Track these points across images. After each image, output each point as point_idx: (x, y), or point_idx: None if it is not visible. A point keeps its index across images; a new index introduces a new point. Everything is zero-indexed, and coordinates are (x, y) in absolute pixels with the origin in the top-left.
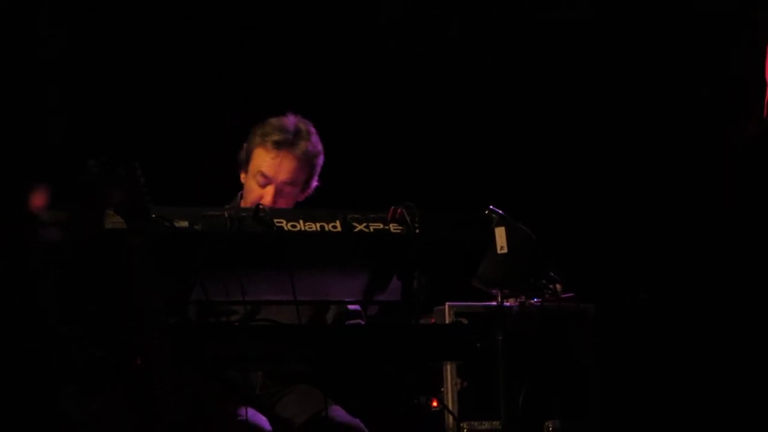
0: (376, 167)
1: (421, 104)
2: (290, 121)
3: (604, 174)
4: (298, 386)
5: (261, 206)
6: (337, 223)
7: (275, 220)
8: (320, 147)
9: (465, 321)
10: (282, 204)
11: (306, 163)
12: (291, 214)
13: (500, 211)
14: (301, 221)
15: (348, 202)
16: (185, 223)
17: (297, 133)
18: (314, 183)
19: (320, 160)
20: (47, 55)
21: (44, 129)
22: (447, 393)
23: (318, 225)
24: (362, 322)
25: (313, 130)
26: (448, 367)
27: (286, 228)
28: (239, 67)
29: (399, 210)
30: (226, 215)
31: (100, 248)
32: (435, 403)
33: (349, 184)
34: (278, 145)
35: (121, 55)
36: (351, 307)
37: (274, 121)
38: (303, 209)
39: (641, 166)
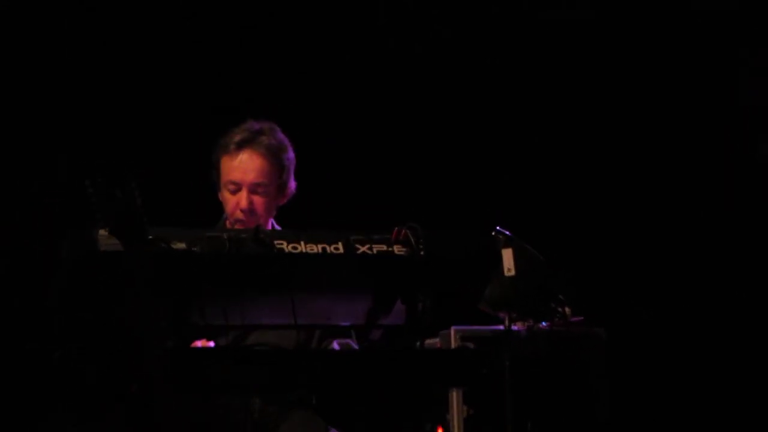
0: (380, 187)
1: (424, 120)
2: (251, 123)
3: (614, 195)
4: (297, 413)
5: (260, 227)
6: (340, 245)
7: (275, 242)
8: (287, 142)
9: (471, 345)
10: (260, 208)
11: (273, 158)
12: (292, 236)
13: (507, 232)
14: (302, 243)
15: (351, 223)
16: (183, 245)
17: (258, 131)
18: (291, 184)
19: (289, 155)
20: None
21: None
22: (453, 420)
23: (320, 247)
24: (352, 342)
25: (277, 128)
26: (454, 393)
27: (286, 250)
28: (236, 76)
29: (403, 231)
30: (225, 237)
31: (96, 271)
32: (440, 431)
33: (352, 204)
34: (240, 145)
35: (112, 68)
36: (345, 324)
37: (234, 128)
38: (304, 231)
39: (652, 184)
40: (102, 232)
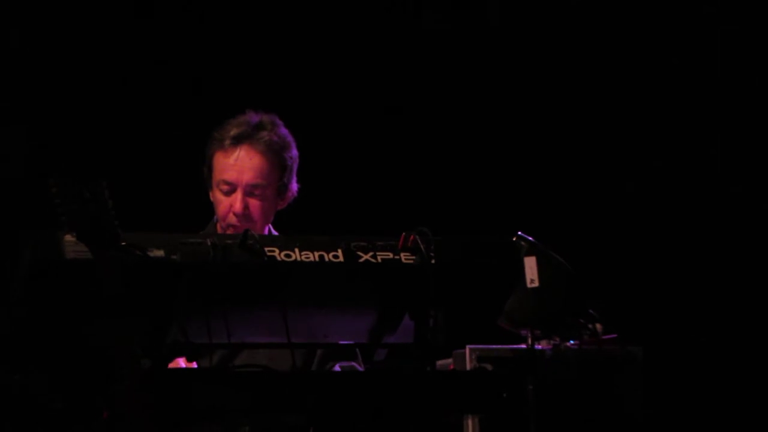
0: (385, 187)
1: (434, 115)
2: (250, 115)
3: (650, 196)
4: None
5: (250, 232)
6: (339, 252)
7: (266, 249)
8: (290, 138)
9: (489, 367)
10: (256, 213)
11: (273, 157)
12: (285, 242)
13: (530, 238)
14: (296, 250)
15: (352, 228)
16: (161, 253)
17: (258, 125)
18: (293, 186)
19: (292, 154)
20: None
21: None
22: None
23: (316, 254)
24: (357, 366)
25: (279, 122)
26: (470, 421)
27: (279, 258)
28: (229, 64)
29: (411, 236)
30: (209, 243)
31: (61, 281)
32: None
33: (353, 206)
34: (236, 141)
35: (77, 50)
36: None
37: (231, 120)
38: (299, 236)
39: (693, 186)
40: (68, 237)
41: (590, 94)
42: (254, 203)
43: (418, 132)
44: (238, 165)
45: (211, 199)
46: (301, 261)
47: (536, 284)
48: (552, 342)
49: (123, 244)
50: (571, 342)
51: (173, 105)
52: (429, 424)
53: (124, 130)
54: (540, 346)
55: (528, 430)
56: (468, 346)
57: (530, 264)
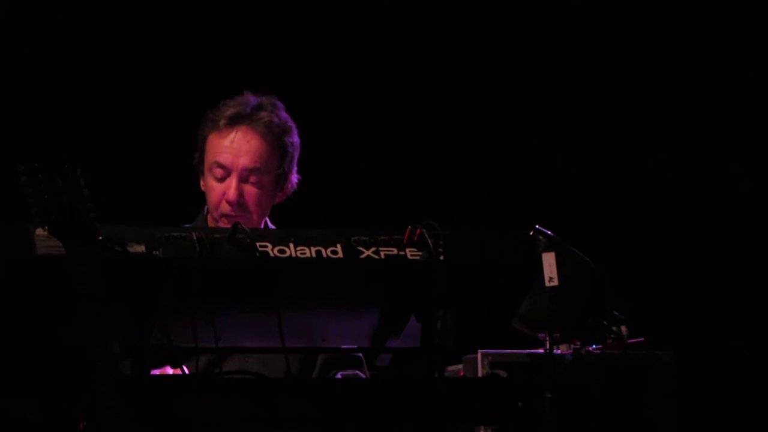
0: (388, 176)
1: (443, 101)
2: (249, 96)
3: (679, 187)
4: None
5: (240, 225)
6: (338, 248)
7: (258, 244)
8: (291, 124)
9: (503, 373)
10: (252, 201)
11: (272, 140)
12: (279, 236)
13: (549, 232)
14: (291, 245)
15: (353, 221)
16: (142, 248)
17: (257, 106)
18: (293, 176)
19: (293, 140)
20: None
21: None
22: None
23: (313, 250)
24: (361, 375)
25: (280, 105)
26: None
27: (272, 253)
28: (221, 55)
29: (418, 230)
30: (195, 237)
31: (31, 280)
32: None
33: (354, 197)
34: (233, 121)
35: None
36: (345, 347)
37: (228, 100)
38: (294, 229)
39: (723, 175)
40: (39, 231)
41: (615, 81)
42: (250, 191)
43: (426, 117)
44: (233, 147)
45: (202, 187)
46: (297, 257)
47: (555, 283)
48: (572, 346)
49: (100, 238)
50: (594, 346)
51: (156, 85)
52: None
53: (102, 112)
54: (559, 351)
55: None
56: (480, 351)
57: (549, 260)
